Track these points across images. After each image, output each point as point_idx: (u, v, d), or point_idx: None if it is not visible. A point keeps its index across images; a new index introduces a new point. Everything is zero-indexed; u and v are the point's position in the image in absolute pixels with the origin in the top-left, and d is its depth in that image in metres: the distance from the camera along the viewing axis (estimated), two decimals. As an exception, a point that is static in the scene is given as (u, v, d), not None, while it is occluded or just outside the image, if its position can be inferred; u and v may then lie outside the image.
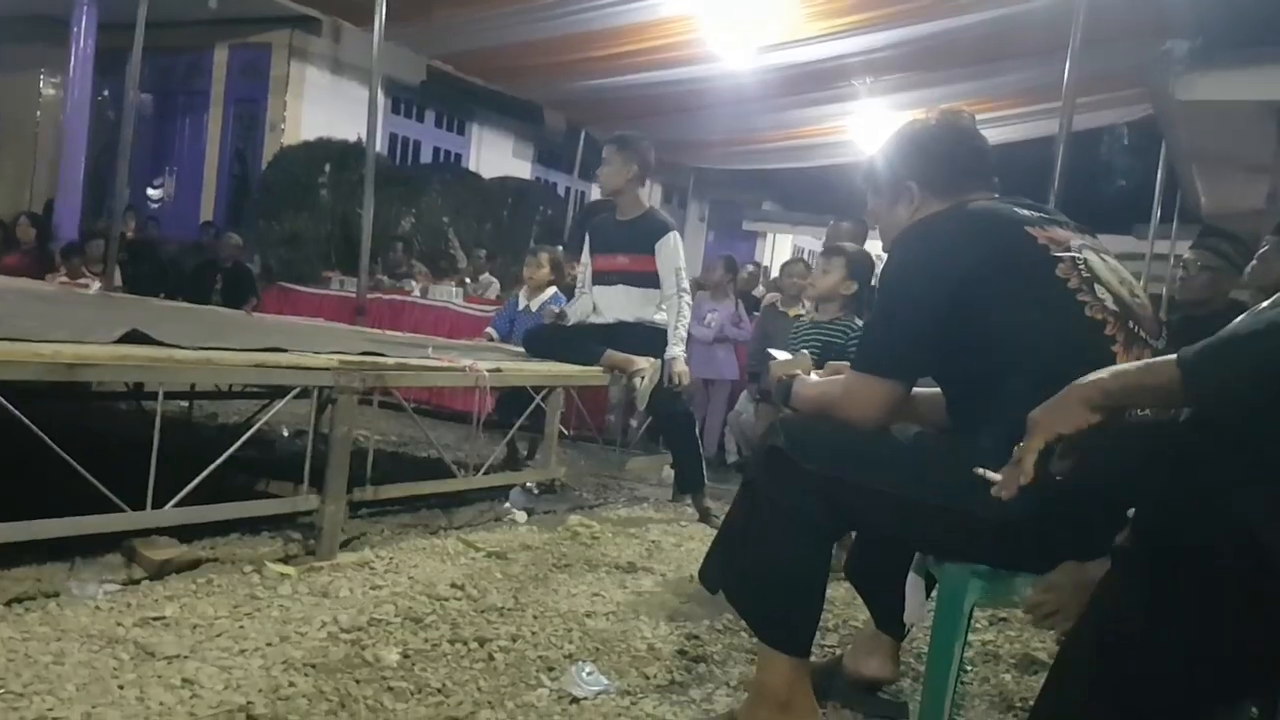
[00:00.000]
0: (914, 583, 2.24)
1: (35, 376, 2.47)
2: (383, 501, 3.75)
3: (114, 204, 8.62)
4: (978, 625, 3.16)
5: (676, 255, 4.57)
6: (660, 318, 4.59)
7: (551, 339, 4.72)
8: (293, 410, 3.73)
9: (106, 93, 11.29)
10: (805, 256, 13.44)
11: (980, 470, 1.58)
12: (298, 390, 3.31)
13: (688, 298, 4.63)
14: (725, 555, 2.17)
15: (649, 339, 4.53)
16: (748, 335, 6.43)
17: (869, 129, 8.48)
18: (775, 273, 9.04)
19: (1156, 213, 10.15)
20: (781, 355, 2.45)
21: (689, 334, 4.74)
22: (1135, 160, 10.07)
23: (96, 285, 7.07)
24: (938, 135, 2.13)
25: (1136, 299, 1.90)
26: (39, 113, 12.02)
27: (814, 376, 2.26)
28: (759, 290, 8.79)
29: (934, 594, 2.15)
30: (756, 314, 6.57)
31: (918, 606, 2.26)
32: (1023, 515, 1.70)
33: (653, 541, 4.06)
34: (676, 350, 4.52)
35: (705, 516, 4.58)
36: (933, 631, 1.99)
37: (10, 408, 2.42)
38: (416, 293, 8.61)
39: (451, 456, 4.29)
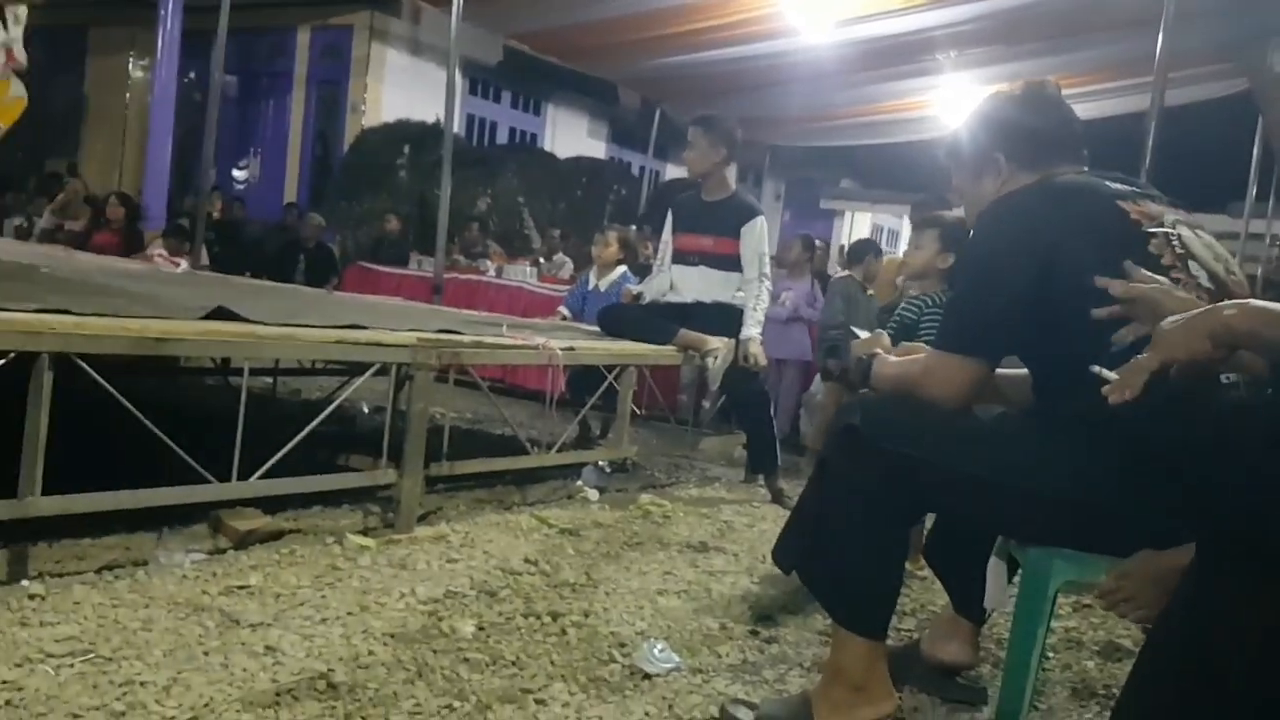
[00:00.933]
0: (995, 566, 2.19)
1: (124, 350, 2.54)
2: (458, 477, 3.80)
3: (200, 184, 8.87)
4: (1060, 610, 3.08)
5: (762, 240, 4.53)
6: (738, 299, 4.55)
7: (625, 317, 4.72)
8: (372, 387, 3.80)
9: (193, 74, 11.58)
10: (884, 236, 13.22)
11: (1097, 368, 1.52)
12: (377, 367, 3.36)
13: (768, 283, 4.58)
14: (799, 535, 2.14)
15: (724, 319, 4.50)
16: (820, 315, 6.35)
17: (953, 104, 8.29)
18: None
19: (1252, 191, 9.74)
20: (863, 334, 2.41)
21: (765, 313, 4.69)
22: (1230, 136, 9.68)
23: (184, 264, 7.27)
24: (1024, 106, 2.06)
25: (1233, 276, 1.82)
26: (128, 95, 12.41)
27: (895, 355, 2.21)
28: (832, 269, 8.67)
29: (1016, 578, 2.10)
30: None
31: (999, 591, 2.21)
32: (1105, 493, 1.64)
33: (725, 521, 4.05)
34: (753, 331, 4.48)
35: (778, 497, 4.55)
36: (1015, 616, 1.94)
37: (102, 381, 2.50)
38: (491, 272, 8.68)
39: (525, 434, 4.33)
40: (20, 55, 4.75)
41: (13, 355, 2.29)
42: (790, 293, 6.54)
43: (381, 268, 8.73)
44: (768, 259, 4.58)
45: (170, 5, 9.71)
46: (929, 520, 2.50)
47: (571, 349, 3.98)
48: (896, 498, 1.88)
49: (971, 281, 1.94)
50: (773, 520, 4.12)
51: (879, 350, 2.23)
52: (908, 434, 1.87)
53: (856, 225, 19.22)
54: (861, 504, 1.89)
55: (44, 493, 2.41)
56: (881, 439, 1.87)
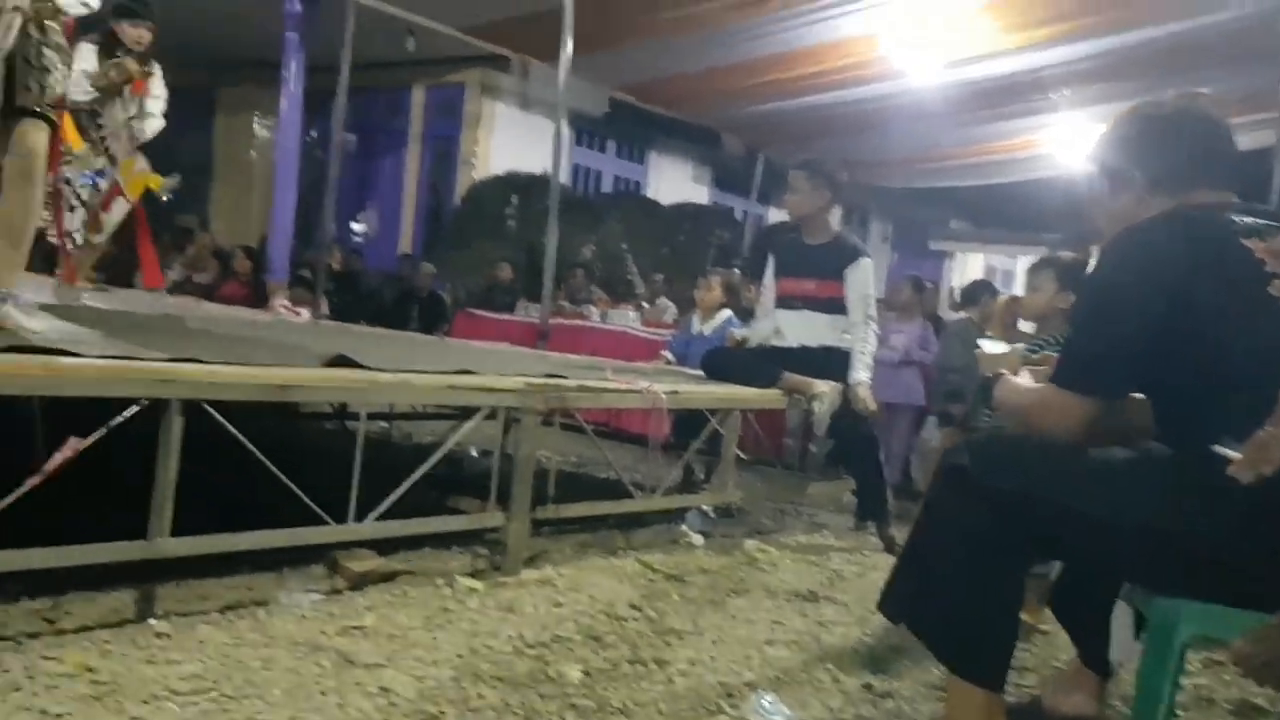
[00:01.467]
0: (1121, 616, 2.08)
1: (250, 397, 2.65)
2: (564, 520, 3.82)
3: (321, 237, 9.25)
4: (1190, 666, 2.91)
5: (866, 282, 4.48)
6: (844, 342, 4.49)
7: (729, 361, 4.70)
8: (480, 430, 3.86)
9: (314, 133, 12.13)
10: (997, 277, 12.91)
11: (1219, 448, 1.44)
12: (486, 411, 3.43)
13: (875, 326, 4.52)
14: (907, 582, 2.07)
15: (831, 363, 4.44)
16: (934, 358, 6.22)
17: (1067, 142, 8.09)
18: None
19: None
20: (993, 347, 2.32)
21: (874, 357, 4.62)
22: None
23: (306, 313, 7.57)
24: (1168, 123, 1.96)
25: None
26: (254, 152, 13.06)
27: (1025, 376, 2.14)
28: (943, 311, 8.49)
29: (1145, 630, 1.99)
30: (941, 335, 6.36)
31: (1126, 643, 2.10)
32: (1241, 540, 1.55)
33: (834, 570, 3.97)
34: (861, 375, 4.41)
35: (890, 546, 4.44)
36: (1140, 671, 1.85)
37: (229, 427, 2.61)
38: (596, 317, 8.78)
39: (629, 478, 4.33)
40: (142, 133, 5.03)
41: (147, 402, 2.40)
42: (901, 335, 6.43)
43: (489, 314, 8.93)
44: (874, 301, 4.53)
45: (293, 67, 10.20)
46: (1054, 572, 2.41)
47: (676, 393, 3.98)
48: (1008, 538, 1.81)
49: (1092, 316, 1.88)
50: (884, 570, 4.00)
51: (1004, 371, 2.16)
52: (1019, 471, 1.81)
53: (968, 266, 18.81)
54: (971, 545, 1.83)
55: (172, 534, 2.51)
56: (991, 477, 1.81)
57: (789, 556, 4.08)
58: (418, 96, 12.33)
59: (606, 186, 13.35)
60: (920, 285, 7.05)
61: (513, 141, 11.55)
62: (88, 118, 4.85)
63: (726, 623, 3.06)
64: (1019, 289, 7.91)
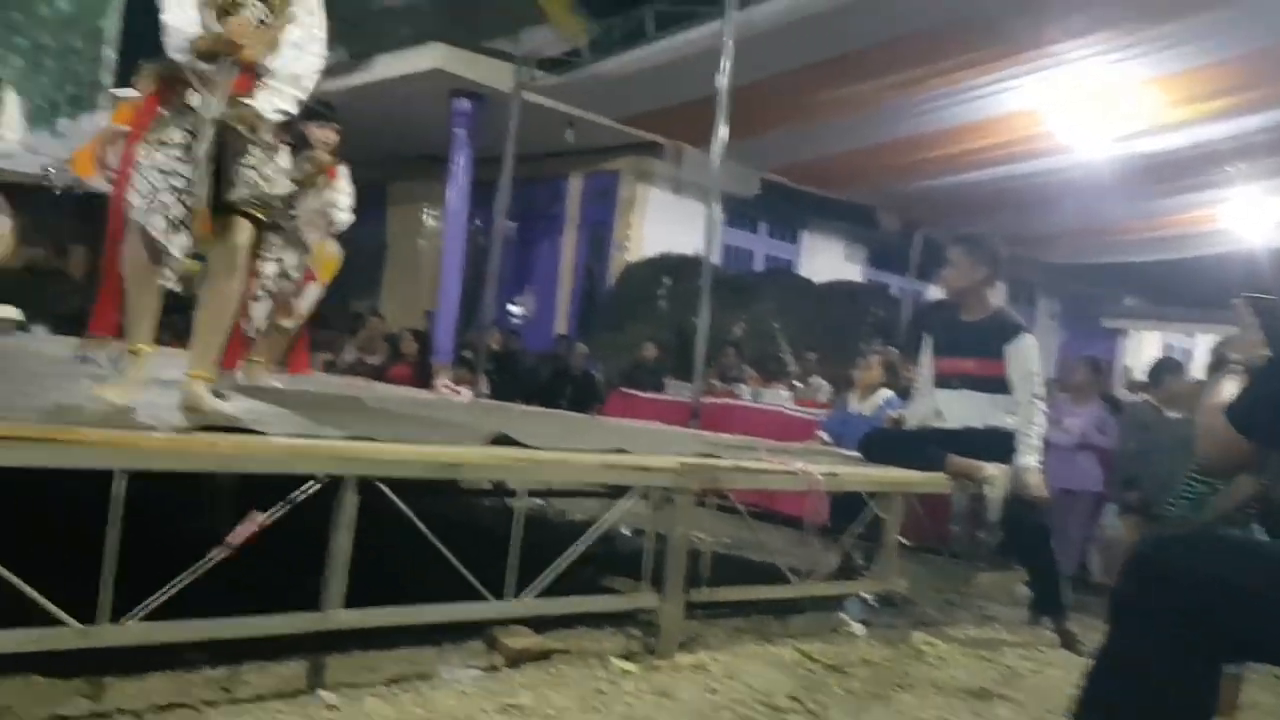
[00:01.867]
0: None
1: (419, 474, 2.74)
2: (718, 604, 3.75)
3: (482, 320, 9.60)
4: None
5: (1029, 359, 4.29)
6: (1010, 423, 4.30)
7: (890, 442, 4.57)
8: (633, 509, 3.86)
9: (478, 221, 12.70)
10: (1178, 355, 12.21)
11: None
12: (640, 490, 3.42)
13: (1042, 404, 4.31)
14: (1097, 688, 1.92)
15: (998, 445, 4.25)
16: (1113, 442, 5.87)
17: (1245, 216, 7.65)
18: (1142, 374, 8.26)
19: None
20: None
21: (1047, 440, 4.39)
22: None
23: (467, 393, 7.82)
24: None
25: None
26: (422, 241, 13.75)
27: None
28: (1120, 392, 8.05)
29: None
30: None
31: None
32: None
33: (1007, 666, 3.74)
34: (1029, 460, 4.20)
35: (1068, 641, 4.15)
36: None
37: (400, 504, 2.68)
38: (748, 396, 8.72)
39: (785, 562, 4.22)
40: (339, 220, 5.35)
41: (325, 478, 2.51)
42: (1076, 419, 6.12)
43: (641, 393, 9.00)
44: (1039, 380, 4.31)
45: (460, 161, 10.78)
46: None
47: (833, 474, 3.89)
48: (1202, 638, 1.68)
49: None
50: (1062, 667, 3.76)
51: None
52: (1212, 567, 1.68)
53: (1143, 345, 17.83)
54: (1161, 648, 1.70)
55: (343, 606, 2.58)
56: (1180, 570, 1.69)
57: (958, 650, 3.87)
58: (574, 184, 12.77)
59: (758, 266, 13.40)
60: (1096, 365, 6.71)
61: (665, 224, 11.78)
62: (281, 210, 5.19)
63: (893, 719, 2.91)
64: (1199, 369, 7.42)
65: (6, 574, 2.07)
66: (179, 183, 2.92)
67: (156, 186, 2.92)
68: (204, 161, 2.93)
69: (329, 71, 9.91)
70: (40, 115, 10.60)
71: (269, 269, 5.08)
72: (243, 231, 3.04)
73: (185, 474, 2.39)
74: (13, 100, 4.50)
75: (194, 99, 2.97)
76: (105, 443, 2.18)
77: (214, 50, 2.92)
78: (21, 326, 7.78)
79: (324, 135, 5.19)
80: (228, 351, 4.93)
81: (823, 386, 9.48)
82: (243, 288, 3.22)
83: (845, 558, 4.79)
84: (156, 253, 2.93)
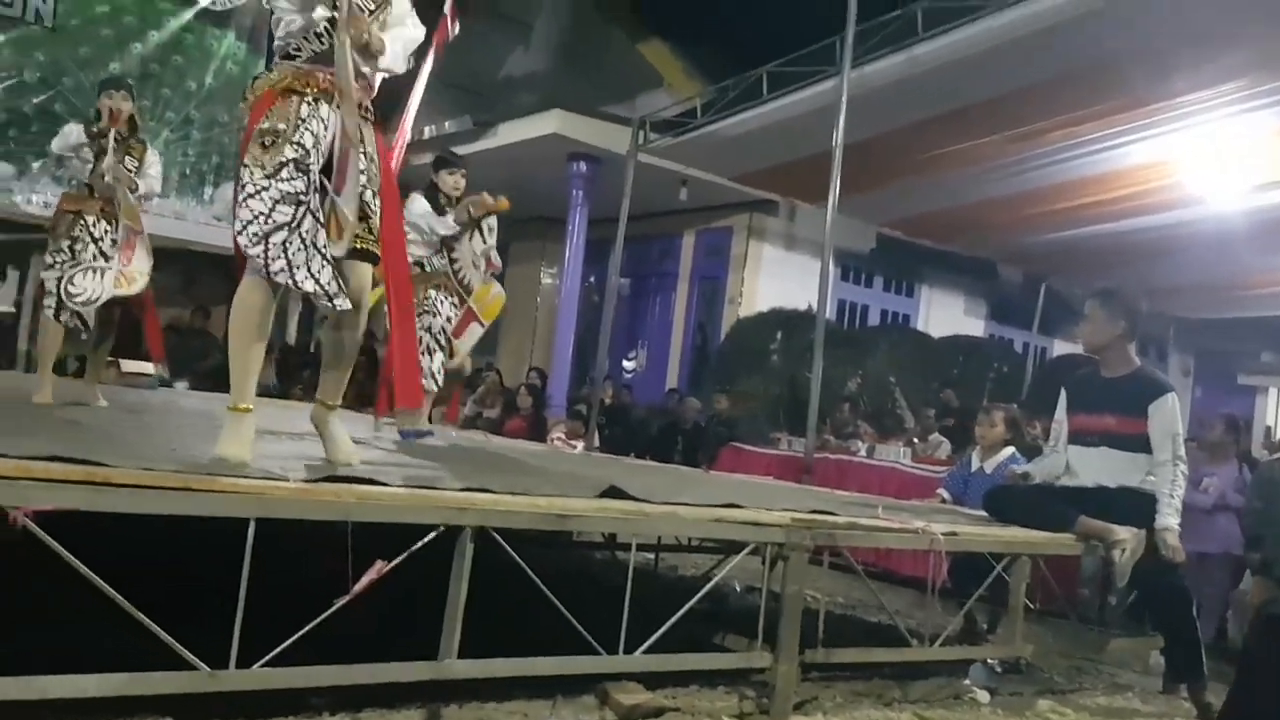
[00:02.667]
0: None
1: (532, 525, 2.78)
2: (835, 665, 3.65)
3: (595, 374, 9.72)
4: None
5: (1174, 419, 4.13)
6: (1145, 483, 4.12)
7: (1016, 501, 4.41)
8: (744, 565, 3.82)
9: (592, 279, 12.92)
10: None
11: None
12: (752, 546, 3.38)
13: (1184, 466, 4.12)
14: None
15: (1132, 506, 4.07)
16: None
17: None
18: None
19: None
20: None
21: (1184, 501, 4.18)
22: None
23: (580, 445, 7.91)
24: None
25: None
26: (538, 298, 14.06)
27: None
28: (1258, 451, 7.60)
29: None
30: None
31: None
32: None
33: (1142, 739, 3.53)
34: (1169, 520, 4.01)
35: (1206, 712, 3.90)
36: None
37: (514, 554, 2.72)
38: (863, 452, 8.55)
39: (904, 624, 4.10)
40: (497, 261, 5.56)
41: (443, 528, 2.57)
42: (1214, 479, 5.81)
43: (753, 448, 8.92)
44: (1181, 440, 4.13)
45: (577, 220, 11.04)
46: None
47: (954, 534, 3.77)
48: None
49: None
50: (1203, 743, 3.53)
51: None
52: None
53: (1283, 402, 16.80)
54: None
55: (459, 656, 2.62)
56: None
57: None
58: (687, 241, 12.90)
59: (874, 320, 13.22)
60: (1234, 423, 6.37)
61: (778, 279, 11.77)
62: (440, 256, 5.39)
63: (1018, 792, 2.78)
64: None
65: (142, 618, 2.17)
66: (293, 210, 2.71)
67: (269, 212, 2.71)
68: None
69: (455, 137, 10.39)
70: (186, 184, 11.32)
71: (436, 323, 5.28)
72: (363, 271, 2.98)
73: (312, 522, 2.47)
74: (156, 157, 4.80)
75: (307, 110, 2.80)
76: (239, 492, 2.28)
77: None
78: (164, 382, 8.25)
79: (453, 181, 5.44)
80: (380, 399, 5.10)
81: (942, 444, 9.22)
82: (364, 324, 3.11)
83: (968, 621, 4.62)
84: (273, 280, 2.74)
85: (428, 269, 5.35)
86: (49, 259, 4.56)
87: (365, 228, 2.91)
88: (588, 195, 10.98)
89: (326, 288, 2.76)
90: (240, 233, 2.73)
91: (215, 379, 9.44)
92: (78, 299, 4.40)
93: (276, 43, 2.95)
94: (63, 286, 4.42)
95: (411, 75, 5.37)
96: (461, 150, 10.51)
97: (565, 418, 9.72)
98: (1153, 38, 5.64)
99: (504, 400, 10.45)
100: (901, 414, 10.57)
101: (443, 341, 5.35)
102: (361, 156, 2.84)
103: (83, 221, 4.53)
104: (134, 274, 4.52)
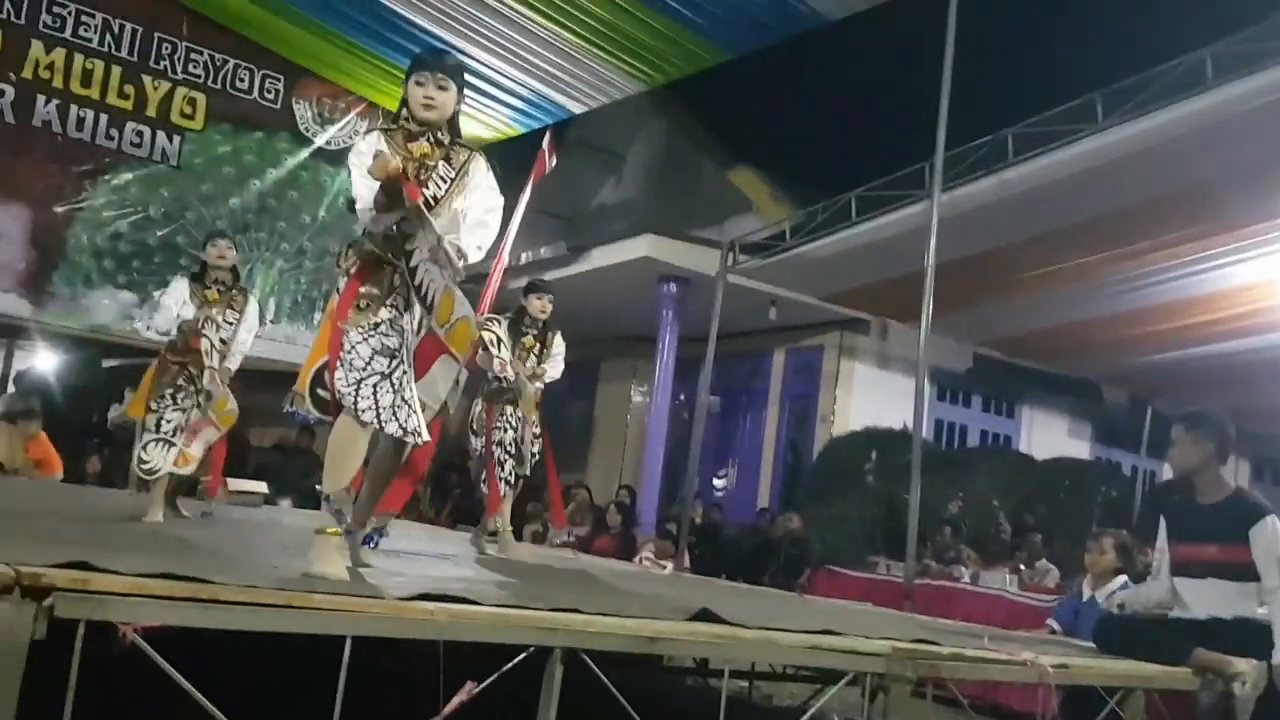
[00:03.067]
0: None
1: (622, 648, 2.74)
2: (939, 807, 3.46)
3: (685, 493, 9.66)
4: None
5: (1275, 542, 3.91)
6: (1261, 613, 3.88)
7: (1127, 633, 4.19)
8: (843, 696, 3.68)
9: (683, 397, 12.97)
10: None
11: None
12: (850, 676, 3.27)
13: None
14: None
15: (1250, 637, 3.83)
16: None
17: None
18: None
19: None
20: None
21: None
22: None
23: (670, 566, 7.82)
24: None
25: None
26: (628, 416, 14.15)
27: None
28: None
29: None
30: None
31: None
32: None
33: None
34: (1286, 653, 3.75)
35: None
36: None
37: (603, 678, 2.68)
38: (966, 579, 8.26)
39: (1014, 763, 3.88)
40: (551, 374, 5.68)
41: (533, 649, 2.55)
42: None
43: (850, 571, 8.68)
44: None
45: (667, 340, 11.18)
46: None
47: (1064, 666, 3.59)
48: None
49: None
50: None
51: None
52: None
53: None
54: None
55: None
56: None
57: None
58: (778, 359, 12.91)
59: (972, 441, 12.92)
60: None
61: (871, 398, 11.64)
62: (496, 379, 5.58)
63: None
64: None
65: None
66: (385, 363, 2.98)
67: (366, 364, 2.97)
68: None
69: (548, 263, 10.71)
70: (298, 310, 11.87)
71: (508, 436, 5.44)
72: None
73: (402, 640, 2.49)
74: (255, 306, 5.21)
75: (399, 280, 3.06)
76: (335, 610, 2.32)
77: (394, 186, 2.91)
78: (268, 500, 8.50)
79: (541, 305, 5.68)
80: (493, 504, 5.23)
81: (1050, 571, 8.84)
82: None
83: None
84: (363, 423, 2.97)
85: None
86: (152, 404, 4.89)
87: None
88: (678, 315, 11.13)
89: (411, 432, 3.02)
90: (338, 380, 3.00)
91: (318, 498, 9.68)
92: (144, 467, 4.81)
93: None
94: (136, 453, 4.86)
95: (510, 205, 5.61)
96: (555, 274, 10.85)
97: (654, 536, 9.63)
98: (1250, 159, 5.57)
99: (593, 518, 10.43)
100: (1006, 539, 10.20)
101: (512, 453, 5.58)
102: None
103: (187, 371, 4.91)
104: (192, 456, 4.92)
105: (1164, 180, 5.90)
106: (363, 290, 3.07)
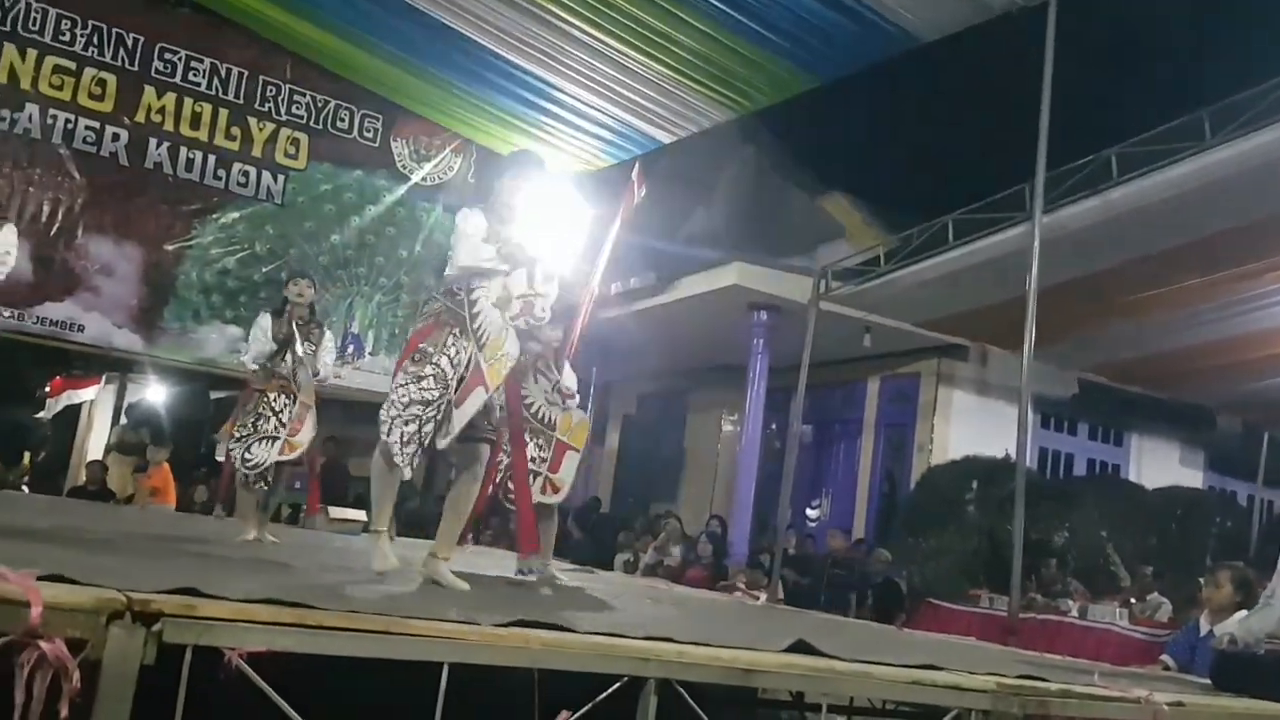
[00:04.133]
0: None
1: (716, 679, 2.69)
2: None
3: (777, 523, 9.53)
4: None
5: None
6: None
7: (1246, 669, 3.97)
8: (947, 735, 3.55)
9: (774, 426, 12.84)
10: None
11: None
12: (954, 714, 3.15)
13: None
14: None
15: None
16: None
17: None
18: None
19: None
20: None
21: None
22: None
23: (762, 597, 7.71)
24: None
25: None
26: (719, 446, 14.06)
27: None
28: None
29: None
30: None
31: None
32: None
33: None
34: None
35: None
36: None
37: (698, 709, 2.64)
38: (1074, 613, 7.95)
39: (1130, 808, 3.68)
40: (571, 389, 5.62)
41: (627, 678, 2.53)
42: None
43: (951, 605, 8.44)
44: None
45: (758, 369, 11.09)
46: None
47: (1180, 704, 3.40)
48: None
49: None
50: None
51: None
52: None
53: None
54: None
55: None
56: None
57: None
58: (872, 387, 12.69)
59: (1079, 470, 12.48)
60: None
61: (970, 427, 11.35)
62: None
63: None
64: None
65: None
66: (420, 411, 3.53)
67: (404, 408, 3.54)
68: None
69: (638, 293, 10.70)
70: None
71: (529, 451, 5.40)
72: (485, 453, 3.79)
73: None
74: (331, 341, 5.54)
75: (452, 341, 3.61)
76: (434, 636, 2.34)
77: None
78: (368, 528, 8.68)
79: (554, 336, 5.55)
80: (523, 536, 5.17)
81: (1162, 604, 8.46)
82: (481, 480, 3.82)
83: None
84: (391, 458, 3.58)
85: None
86: (236, 432, 5.26)
87: (486, 421, 3.72)
88: (769, 344, 11.04)
89: (412, 466, 3.62)
90: (380, 411, 3.62)
91: (411, 524, 9.87)
92: (250, 464, 5.14)
93: (446, 273, 3.75)
94: (240, 454, 5.17)
95: (600, 237, 5.64)
96: (646, 304, 10.90)
97: (746, 567, 9.52)
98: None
99: (684, 548, 10.37)
100: (1116, 571, 9.80)
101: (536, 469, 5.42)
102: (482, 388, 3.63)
103: (266, 399, 5.27)
104: (298, 443, 5.22)
105: (1276, 198, 5.64)
106: (421, 346, 3.65)
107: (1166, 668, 4.98)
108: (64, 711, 1.79)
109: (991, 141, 8.67)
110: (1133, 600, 8.70)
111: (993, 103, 9.54)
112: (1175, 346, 7.50)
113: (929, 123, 11.79)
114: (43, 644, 1.79)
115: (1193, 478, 12.60)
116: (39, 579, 1.89)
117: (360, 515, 8.71)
